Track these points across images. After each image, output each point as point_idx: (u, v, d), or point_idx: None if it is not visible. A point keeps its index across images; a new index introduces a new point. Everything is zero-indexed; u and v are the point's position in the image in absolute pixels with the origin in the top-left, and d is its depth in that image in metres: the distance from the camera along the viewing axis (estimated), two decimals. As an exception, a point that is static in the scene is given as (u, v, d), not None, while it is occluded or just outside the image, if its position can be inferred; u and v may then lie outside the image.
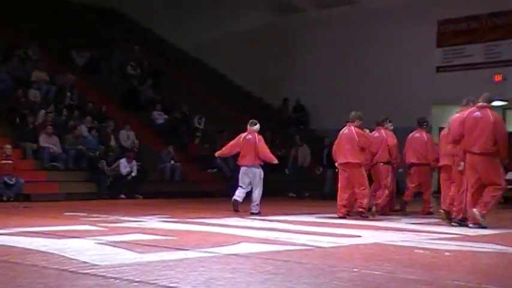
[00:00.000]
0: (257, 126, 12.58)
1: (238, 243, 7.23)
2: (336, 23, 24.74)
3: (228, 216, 11.22)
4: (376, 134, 12.63)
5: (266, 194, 18.30)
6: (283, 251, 6.64)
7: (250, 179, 12.33)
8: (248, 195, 12.49)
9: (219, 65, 27.02)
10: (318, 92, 24.55)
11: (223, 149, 13.07)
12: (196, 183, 18.89)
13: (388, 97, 22.75)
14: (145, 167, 17.86)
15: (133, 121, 19.73)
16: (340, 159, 11.46)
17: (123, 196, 16.76)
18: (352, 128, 11.66)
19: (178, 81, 24.72)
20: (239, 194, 12.32)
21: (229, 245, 7.06)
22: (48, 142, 16.82)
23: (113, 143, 18.30)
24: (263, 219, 10.84)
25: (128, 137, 18.71)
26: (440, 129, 22.51)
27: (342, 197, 11.36)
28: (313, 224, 9.92)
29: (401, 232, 9.00)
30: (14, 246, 6.78)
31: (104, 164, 16.86)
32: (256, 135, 12.47)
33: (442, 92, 22.09)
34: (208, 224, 9.61)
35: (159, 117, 20.79)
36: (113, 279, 4.91)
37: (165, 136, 20.03)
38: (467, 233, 8.89)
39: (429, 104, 22.30)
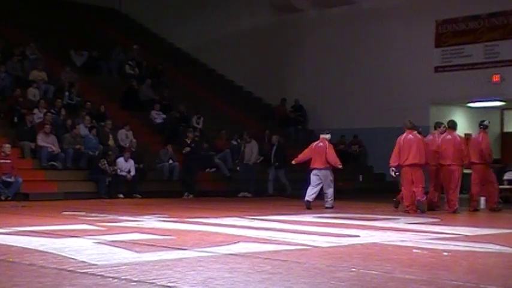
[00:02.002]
0: (328, 136, 14.45)
1: (236, 242, 7.22)
2: (335, 23, 24.75)
3: (226, 216, 11.22)
4: (448, 137, 13.45)
5: (264, 194, 18.41)
6: (281, 251, 6.64)
7: (321, 180, 13.94)
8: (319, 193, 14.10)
9: (218, 64, 27.01)
10: (316, 92, 24.57)
11: (299, 156, 14.62)
12: (195, 183, 18.86)
13: (387, 97, 22.79)
14: (143, 167, 17.84)
15: (132, 121, 19.71)
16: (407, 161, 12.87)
17: (121, 196, 16.75)
18: (416, 133, 13.27)
19: (177, 81, 24.72)
20: (310, 194, 13.89)
21: (228, 244, 7.06)
22: (47, 141, 16.80)
23: (111, 142, 18.29)
24: (261, 219, 10.84)
25: (126, 136, 18.70)
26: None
27: (409, 194, 12.85)
28: (311, 224, 9.92)
29: (399, 232, 9.00)
30: (12, 246, 6.78)
31: (105, 163, 16.84)
32: (327, 142, 14.18)
33: (441, 92, 22.12)
34: (206, 224, 9.61)
35: (158, 116, 20.78)
36: (111, 279, 4.90)
37: (163, 136, 20.03)
38: (466, 233, 8.90)
39: (427, 104, 22.32)
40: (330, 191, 13.96)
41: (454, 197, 13.10)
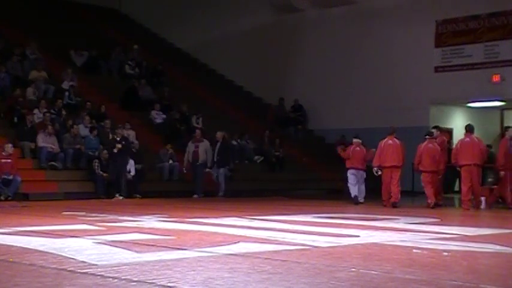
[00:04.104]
0: (357, 140, 16.16)
1: (236, 242, 7.22)
2: (335, 23, 24.76)
3: (226, 216, 11.22)
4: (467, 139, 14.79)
5: (264, 194, 18.40)
6: (281, 251, 6.64)
7: (357, 179, 15.84)
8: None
9: (218, 64, 27.02)
10: (316, 92, 24.57)
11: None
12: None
13: (387, 97, 22.79)
14: (143, 167, 17.84)
15: (132, 121, 19.72)
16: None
17: (121, 196, 16.74)
18: (395, 139, 15.14)
19: (177, 81, 24.72)
20: (356, 191, 15.80)
21: (228, 244, 7.06)
22: (47, 141, 16.81)
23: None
24: (261, 219, 10.84)
25: (127, 136, 18.67)
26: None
27: (386, 191, 14.92)
28: (311, 224, 9.91)
29: (399, 232, 8.99)
30: (12, 246, 6.77)
31: (96, 165, 16.78)
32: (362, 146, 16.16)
33: (441, 92, 22.12)
34: (206, 224, 9.60)
35: (158, 116, 20.79)
36: (111, 279, 4.90)
37: (163, 136, 20.03)
38: (466, 233, 8.90)
39: (427, 104, 22.33)
40: (362, 188, 15.98)
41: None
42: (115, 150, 16.71)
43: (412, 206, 15.40)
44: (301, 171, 21.76)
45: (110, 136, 17.42)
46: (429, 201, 14.51)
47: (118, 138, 16.90)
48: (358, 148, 16.01)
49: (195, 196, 17.54)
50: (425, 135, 15.18)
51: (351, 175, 15.90)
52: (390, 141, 15.10)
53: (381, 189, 15.20)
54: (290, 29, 25.86)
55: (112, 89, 21.73)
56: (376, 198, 15.56)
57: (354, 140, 16.26)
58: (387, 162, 14.92)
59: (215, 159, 18.13)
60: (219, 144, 18.31)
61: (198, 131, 18.64)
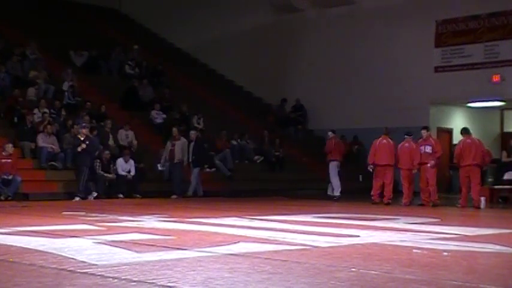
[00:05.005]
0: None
1: (236, 242, 7.22)
2: (334, 23, 24.76)
3: (226, 216, 11.22)
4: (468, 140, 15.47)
5: (264, 194, 18.40)
6: (281, 251, 6.63)
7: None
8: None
9: (219, 64, 27.02)
10: (316, 92, 24.58)
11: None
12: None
13: (387, 97, 22.79)
14: (143, 167, 17.84)
15: (132, 120, 19.73)
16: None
17: (121, 196, 16.75)
18: (389, 139, 16.09)
19: (177, 81, 24.73)
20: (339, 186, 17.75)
21: (228, 244, 7.06)
22: (47, 142, 16.80)
23: (111, 142, 18.28)
24: (261, 219, 10.84)
25: (126, 136, 18.69)
26: (438, 129, 22.76)
27: (377, 187, 15.98)
28: (311, 224, 9.91)
29: (399, 232, 8.99)
30: (12, 246, 6.77)
31: (97, 165, 16.76)
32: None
33: (441, 92, 22.12)
34: (206, 224, 9.60)
35: (158, 116, 20.78)
36: (111, 279, 4.90)
37: (163, 136, 20.01)
38: (466, 233, 8.90)
39: (427, 104, 22.33)
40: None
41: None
42: (79, 149, 16.10)
43: (412, 206, 15.39)
44: (301, 171, 21.76)
45: (74, 134, 16.76)
46: (404, 201, 15.50)
47: (82, 138, 16.23)
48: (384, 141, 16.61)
49: (174, 196, 17.14)
50: (405, 135, 15.98)
51: (336, 167, 17.81)
52: (384, 141, 15.97)
53: (373, 187, 16.06)
54: (290, 29, 25.86)
55: (112, 89, 21.73)
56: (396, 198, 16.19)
57: (332, 134, 18.18)
58: (381, 161, 15.78)
59: (190, 160, 17.83)
60: (192, 144, 17.97)
61: (174, 129, 18.18)
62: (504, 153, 19.32)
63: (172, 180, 17.80)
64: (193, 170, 17.88)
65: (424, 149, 15.38)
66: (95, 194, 16.23)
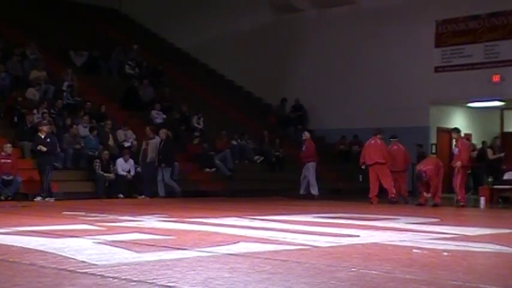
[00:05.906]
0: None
1: (236, 242, 7.22)
2: (335, 23, 24.75)
3: (226, 216, 11.22)
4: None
5: (264, 194, 18.40)
6: (281, 251, 6.63)
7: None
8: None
9: (219, 64, 27.01)
10: (316, 92, 24.57)
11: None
12: (195, 183, 18.88)
13: (387, 97, 22.78)
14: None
15: (132, 120, 19.72)
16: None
17: (121, 196, 16.75)
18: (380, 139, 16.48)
19: (178, 81, 24.72)
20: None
21: (228, 244, 7.06)
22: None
23: (111, 142, 18.28)
24: (261, 219, 10.84)
25: (125, 136, 18.69)
26: (438, 129, 22.77)
27: (374, 188, 16.18)
28: (311, 224, 9.91)
29: (399, 232, 8.99)
30: (12, 246, 6.77)
31: (97, 165, 16.74)
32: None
33: (441, 92, 22.12)
34: (206, 224, 9.60)
35: (158, 116, 20.78)
36: (111, 279, 4.90)
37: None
38: (466, 233, 8.90)
39: (427, 104, 22.33)
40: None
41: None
42: (38, 148, 15.56)
43: (411, 206, 15.40)
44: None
45: (37, 134, 16.04)
46: (391, 195, 16.00)
47: (42, 136, 15.62)
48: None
49: (142, 197, 16.71)
50: (390, 138, 16.72)
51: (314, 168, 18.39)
52: (373, 141, 16.43)
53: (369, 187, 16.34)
54: (290, 29, 25.85)
55: (112, 89, 21.72)
56: (382, 197, 16.16)
57: (308, 135, 19.18)
58: (370, 160, 16.21)
59: (158, 160, 17.18)
60: (162, 142, 17.40)
61: (147, 129, 17.75)
62: (490, 151, 19.74)
63: (142, 179, 17.21)
64: (164, 170, 17.13)
65: (454, 150, 16.17)
66: (52, 200, 15.35)
